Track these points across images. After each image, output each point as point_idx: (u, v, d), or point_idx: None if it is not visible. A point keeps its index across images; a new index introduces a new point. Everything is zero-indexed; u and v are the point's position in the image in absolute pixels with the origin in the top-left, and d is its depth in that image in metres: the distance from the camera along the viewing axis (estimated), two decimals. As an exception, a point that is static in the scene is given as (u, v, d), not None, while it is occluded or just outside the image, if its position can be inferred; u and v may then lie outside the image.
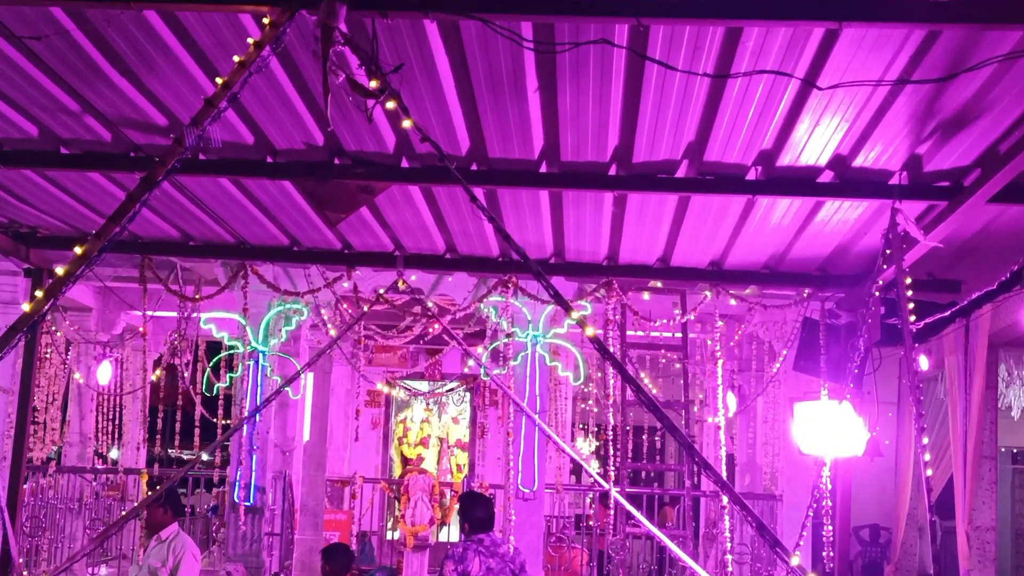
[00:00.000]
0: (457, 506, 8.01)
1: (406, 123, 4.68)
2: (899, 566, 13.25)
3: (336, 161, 7.17)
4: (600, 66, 5.54)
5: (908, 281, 7.12)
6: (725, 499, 10.14)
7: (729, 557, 10.36)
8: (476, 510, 7.32)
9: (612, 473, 10.22)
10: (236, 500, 10.45)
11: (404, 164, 7.15)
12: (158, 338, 13.53)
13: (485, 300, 10.32)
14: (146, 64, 5.84)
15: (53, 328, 11.47)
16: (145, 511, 7.92)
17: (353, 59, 4.83)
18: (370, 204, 8.04)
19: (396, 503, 13.61)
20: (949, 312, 9.57)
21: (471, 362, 15.44)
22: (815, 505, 8.66)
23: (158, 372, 13.00)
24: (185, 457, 19.68)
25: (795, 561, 4.38)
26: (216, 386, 12.33)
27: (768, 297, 10.33)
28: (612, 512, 10.32)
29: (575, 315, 4.70)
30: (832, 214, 7.83)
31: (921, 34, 5.00)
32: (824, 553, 9.55)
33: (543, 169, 7.13)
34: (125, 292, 12.02)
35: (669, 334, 11.69)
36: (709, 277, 9.66)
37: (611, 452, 10.25)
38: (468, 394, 18.28)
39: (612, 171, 7.10)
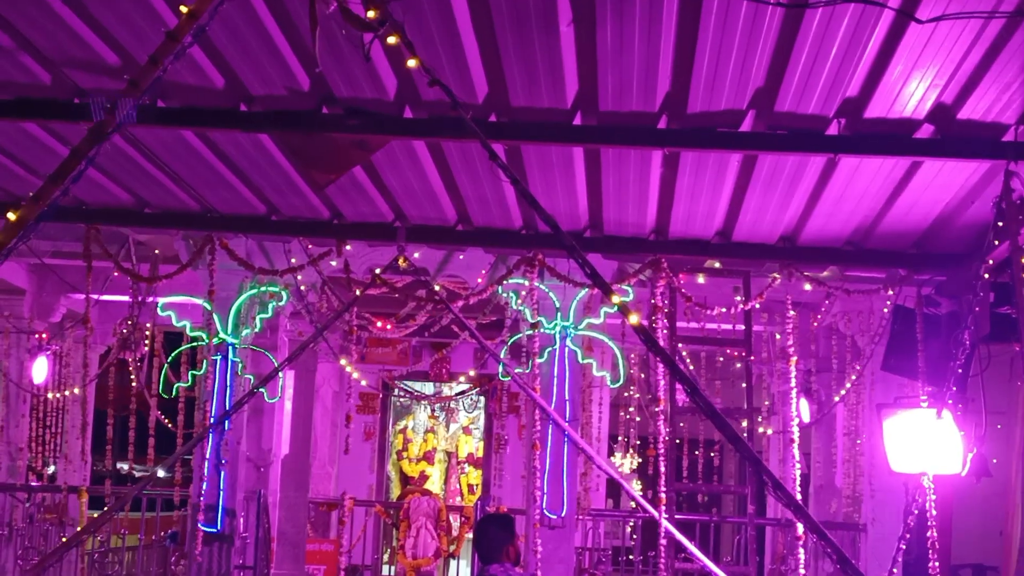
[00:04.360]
0: (469, 534, 8.01)
1: (411, 63, 4.68)
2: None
3: (325, 110, 7.18)
4: (649, -7, 5.54)
5: (1025, 260, 7.09)
6: (800, 528, 10.12)
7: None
8: (477, 533, 7.30)
9: (662, 496, 10.13)
10: (200, 525, 10.50)
11: (407, 114, 7.16)
12: (106, 327, 13.59)
13: (504, 282, 10.32)
14: (94, -11, 5.86)
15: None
16: None
17: (347, -17, 4.84)
18: (365, 163, 8.05)
19: (394, 531, 13.68)
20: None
21: (486, 359, 15.43)
22: (908, 536, 8.63)
23: (114, 351, 12.98)
24: (138, 473, 19.80)
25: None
26: (176, 386, 12.38)
27: (851, 280, 10.32)
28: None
29: (616, 300, 4.69)
30: (932, 178, 7.82)
31: (1045, -46, 4.99)
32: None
33: (577, 121, 7.13)
34: (66, 271, 12.05)
35: (728, 326, 11.68)
36: (779, 255, 9.66)
37: (660, 470, 10.20)
38: (482, 398, 18.33)
39: (662, 124, 7.09)
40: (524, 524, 10.92)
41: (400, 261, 9.78)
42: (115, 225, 10.08)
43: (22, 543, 13.04)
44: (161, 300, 10.99)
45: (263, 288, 10.63)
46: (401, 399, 17.85)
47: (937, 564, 9.23)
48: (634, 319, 4.65)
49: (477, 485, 18.56)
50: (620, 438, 17.67)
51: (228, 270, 10.29)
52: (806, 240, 9.48)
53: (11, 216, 4.31)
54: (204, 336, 10.74)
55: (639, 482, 18.80)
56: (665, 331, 10.47)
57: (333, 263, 10.29)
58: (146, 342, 12.98)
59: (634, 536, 13.47)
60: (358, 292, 10.11)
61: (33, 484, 13.82)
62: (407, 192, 8.93)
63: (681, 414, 11.34)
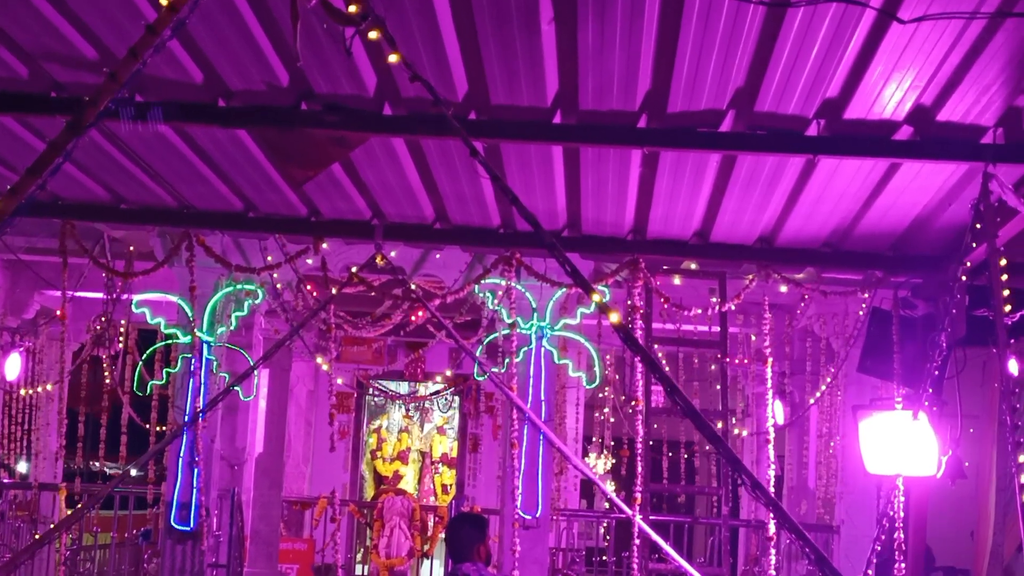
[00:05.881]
0: (443, 534, 7.96)
1: (392, 58, 4.64)
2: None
3: (304, 106, 7.13)
4: (631, -9, 5.52)
5: (1003, 263, 7.08)
6: (772, 528, 10.12)
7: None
8: (450, 532, 7.25)
9: (637, 496, 10.10)
10: (173, 524, 10.44)
11: (387, 111, 7.11)
12: (79, 324, 13.50)
13: (481, 282, 10.28)
14: (72, -18, 5.81)
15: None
16: None
17: (329, -23, 4.79)
18: (344, 160, 8.01)
19: (368, 530, 13.64)
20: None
21: (462, 359, 15.42)
22: (883, 537, 8.63)
23: (88, 348, 12.85)
24: (109, 471, 19.66)
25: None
26: (150, 384, 12.31)
27: (828, 283, 10.32)
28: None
29: (597, 298, 4.65)
30: (910, 180, 7.82)
31: (1027, -44, 4.99)
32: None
33: (557, 119, 7.10)
34: (40, 267, 11.96)
35: (704, 327, 11.68)
36: (757, 256, 9.65)
37: (637, 471, 10.17)
38: (457, 398, 18.30)
39: (642, 123, 7.06)
40: (498, 524, 10.89)
41: (378, 259, 9.73)
42: (91, 221, 10.01)
43: (-7, 540, 12.97)
44: (135, 297, 10.92)
45: (239, 286, 10.57)
46: (376, 398, 17.79)
47: (903, 565, 9.24)
48: (615, 317, 4.63)
49: (451, 485, 18.53)
50: (594, 439, 17.68)
51: (204, 267, 10.24)
52: (784, 241, 9.48)
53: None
54: (179, 333, 10.68)
55: (612, 483, 18.80)
56: (641, 332, 10.46)
57: (309, 261, 10.24)
58: (120, 339, 12.90)
59: (607, 537, 13.47)
60: (334, 290, 10.07)
61: (5, 481, 13.72)
62: (385, 189, 8.89)
63: (656, 415, 11.33)
